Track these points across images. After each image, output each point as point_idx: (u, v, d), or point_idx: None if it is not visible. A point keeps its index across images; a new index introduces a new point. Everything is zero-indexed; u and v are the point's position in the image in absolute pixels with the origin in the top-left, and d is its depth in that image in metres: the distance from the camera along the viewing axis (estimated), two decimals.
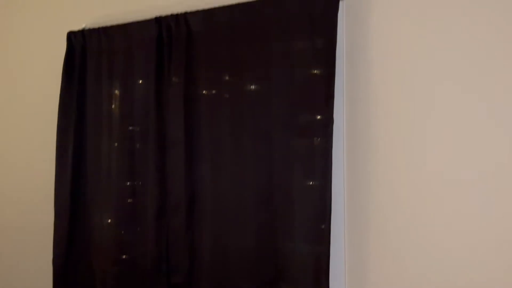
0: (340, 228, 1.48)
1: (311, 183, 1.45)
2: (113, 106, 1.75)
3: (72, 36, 1.82)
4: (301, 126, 1.45)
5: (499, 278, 1.28)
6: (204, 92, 1.59)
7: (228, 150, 1.55)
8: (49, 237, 1.79)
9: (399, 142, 1.40)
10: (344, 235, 1.47)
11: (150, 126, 1.64)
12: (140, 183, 1.70)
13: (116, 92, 1.75)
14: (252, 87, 1.53)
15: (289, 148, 1.47)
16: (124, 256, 1.72)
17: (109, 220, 1.75)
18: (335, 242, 1.45)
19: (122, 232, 1.73)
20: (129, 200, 1.73)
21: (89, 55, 1.79)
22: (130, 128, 1.72)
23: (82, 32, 1.80)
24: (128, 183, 1.72)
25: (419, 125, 1.37)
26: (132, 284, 1.70)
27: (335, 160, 1.42)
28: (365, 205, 1.45)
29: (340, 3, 1.42)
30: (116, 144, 1.74)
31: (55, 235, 1.77)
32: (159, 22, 1.65)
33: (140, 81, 1.70)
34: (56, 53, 1.86)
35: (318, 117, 1.42)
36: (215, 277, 1.56)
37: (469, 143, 1.31)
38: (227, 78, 1.57)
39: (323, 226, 1.42)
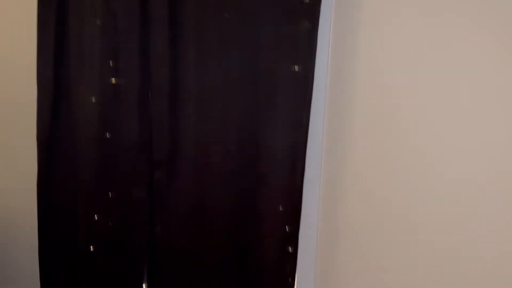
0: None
1: (295, 68, 1.46)
2: None
3: None
4: (288, 8, 1.43)
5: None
6: None
7: (213, 34, 1.53)
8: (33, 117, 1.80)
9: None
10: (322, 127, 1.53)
11: (134, 1, 1.60)
12: (123, 63, 1.69)
13: None
14: None
15: (275, 32, 1.46)
16: (107, 135, 1.76)
17: (93, 99, 1.75)
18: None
19: (106, 111, 1.74)
20: (113, 80, 1.73)
21: None
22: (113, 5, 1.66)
23: None
24: (111, 63, 1.71)
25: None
26: (115, 162, 1.76)
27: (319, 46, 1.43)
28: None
29: None
30: (98, 22, 1.69)
31: (38, 110, 1.77)
32: None
33: None
34: None
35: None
36: (196, 157, 1.62)
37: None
38: None
39: (303, 114, 1.47)
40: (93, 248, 1.83)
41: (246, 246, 1.60)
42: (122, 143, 1.73)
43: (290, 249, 1.57)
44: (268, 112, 1.50)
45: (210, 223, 1.62)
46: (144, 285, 1.81)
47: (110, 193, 1.77)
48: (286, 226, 1.56)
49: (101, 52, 1.69)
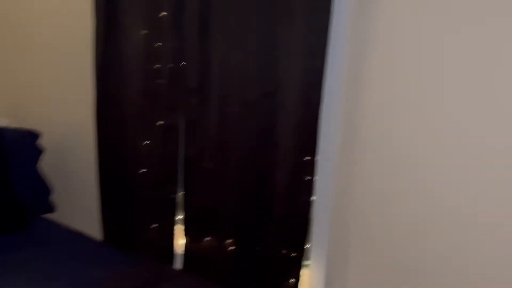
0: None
1: None
2: None
3: None
4: None
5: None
6: None
7: None
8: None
9: None
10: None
11: None
12: None
13: None
14: None
15: None
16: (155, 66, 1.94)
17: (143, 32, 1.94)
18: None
19: (154, 43, 1.93)
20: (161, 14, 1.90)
21: None
22: None
23: None
24: None
25: None
26: (158, 90, 1.94)
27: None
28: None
29: None
30: None
31: (95, 38, 2.00)
32: None
33: None
34: None
35: None
36: (222, 88, 1.75)
37: None
38: None
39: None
40: (141, 170, 2.05)
41: (265, 170, 1.71)
42: (164, 73, 1.91)
43: (307, 177, 1.65)
44: (285, 38, 1.57)
45: (233, 147, 1.75)
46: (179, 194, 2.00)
47: (154, 118, 1.97)
48: (303, 155, 1.64)
49: None
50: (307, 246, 1.72)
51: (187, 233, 1.94)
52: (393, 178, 1.53)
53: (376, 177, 1.56)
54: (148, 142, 2.02)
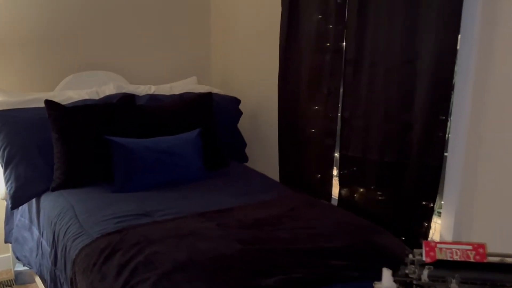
0: None
1: None
2: None
3: None
4: None
5: None
6: None
7: None
8: None
9: None
10: None
11: None
12: None
13: None
14: None
15: None
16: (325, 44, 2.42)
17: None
18: None
19: (327, 27, 2.39)
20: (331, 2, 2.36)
21: None
22: None
23: None
24: None
25: None
26: (322, 68, 2.41)
27: None
28: None
29: None
30: None
31: (281, 24, 2.58)
32: None
33: None
34: None
35: None
36: (375, 59, 2.11)
37: None
38: None
39: None
40: (310, 129, 2.56)
41: (404, 127, 2.02)
42: (330, 49, 2.36)
43: (440, 134, 1.90)
44: (424, 16, 1.87)
45: (378, 107, 2.11)
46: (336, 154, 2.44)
47: (321, 87, 2.44)
48: (438, 115, 1.90)
49: None
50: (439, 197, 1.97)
51: (341, 180, 2.37)
52: None
53: (504, 138, 1.73)
54: (316, 106, 2.51)
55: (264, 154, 3.05)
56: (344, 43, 2.28)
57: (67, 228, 1.96)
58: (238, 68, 3.29)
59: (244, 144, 3.08)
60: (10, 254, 2.80)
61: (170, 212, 2.03)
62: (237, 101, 3.07)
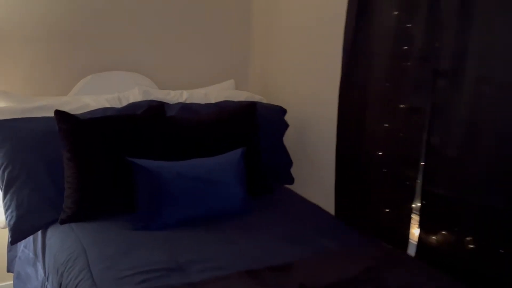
0: None
1: None
2: None
3: None
4: None
5: None
6: None
7: None
8: None
9: None
10: None
11: None
12: None
13: None
14: None
15: None
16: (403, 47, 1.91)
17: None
18: None
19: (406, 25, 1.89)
20: None
21: None
22: None
23: None
24: None
25: None
26: (401, 77, 1.90)
27: None
28: None
29: None
30: None
31: (346, 24, 2.07)
32: None
33: None
34: None
35: None
36: (482, 68, 1.60)
37: None
38: None
39: None
40: (378, 152, 2.06)
41: None
42: (412, 54, 1.85)
43: None
44: None
45: (485, 134, 1.60)
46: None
47: (397, 101, 1.94)
48: None
49: None
50: None
51: (423, 223, 1.86)
52: None
53: None
54: (387, 125, 2.01)
55: (313, 175, 2.56)
56: (437, 48, 1.76)
57: (77, 284, 1.51)
58: (281, 73, 2.79)
59: (290, 163, 2.59)
60: (12, 282, 2.39)
61: (209, 267, 1.56)
62: (283, 111, 2.58)
